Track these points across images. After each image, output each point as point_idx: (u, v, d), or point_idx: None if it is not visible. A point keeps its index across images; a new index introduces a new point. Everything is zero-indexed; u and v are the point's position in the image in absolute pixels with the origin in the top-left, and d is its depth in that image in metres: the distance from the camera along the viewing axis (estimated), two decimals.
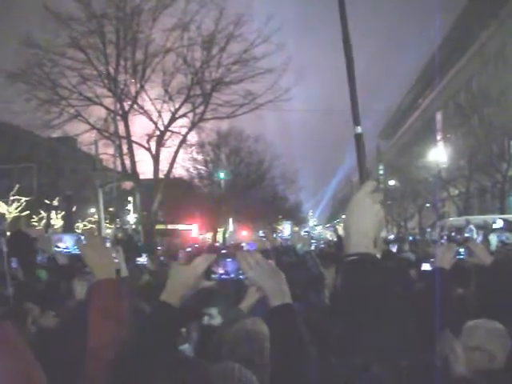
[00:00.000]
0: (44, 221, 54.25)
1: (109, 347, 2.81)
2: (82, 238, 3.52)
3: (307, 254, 7.76)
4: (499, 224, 23.45)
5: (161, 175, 38.71)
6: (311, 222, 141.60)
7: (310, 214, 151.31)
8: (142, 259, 13.63)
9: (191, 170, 55.17)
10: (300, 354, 2.89)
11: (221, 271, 7.39)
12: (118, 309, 2.99)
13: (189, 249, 24.41)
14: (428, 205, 55.95)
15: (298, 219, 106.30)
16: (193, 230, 57.88)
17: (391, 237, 39.71)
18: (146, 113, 38.04)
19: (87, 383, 2.73)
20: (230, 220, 63.34)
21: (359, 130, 2.92)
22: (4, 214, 53.63)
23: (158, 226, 43.05)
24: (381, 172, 77.68)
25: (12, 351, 1.21)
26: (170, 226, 55.10)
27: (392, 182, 66.90)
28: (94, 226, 55.55)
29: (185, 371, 3.06)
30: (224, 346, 4.27)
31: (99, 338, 2.88)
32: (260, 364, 3.87)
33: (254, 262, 3.03)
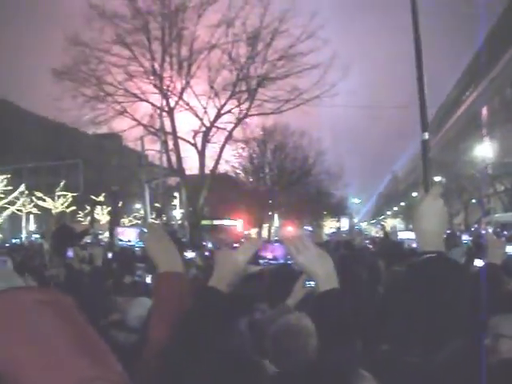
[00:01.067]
0: (89, 216, 54.80)
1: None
2: (145, 230, 3.50)
3: (365, 248, 7.77)
4: None
5: (206, 171, 38.77)
6: (356, 219, 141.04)
7: (355, 209, 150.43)
8: (190, 254, 13.65)
9: (236, 165, 55.23)
10: (346, 340, 2.87)
11: (269, 256, 7.34)
12: (181, 301, 2.96)
13: (236, 245, 24.40)
14: (474, 201, 55.33)
15: (343, 215, 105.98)
16: (238, 226, 57.94)
17: None
18: (191, 109, 38.13)
19: (143, 372, 2.71)
20: (276, 216, 63.28)
21: (426, 136, 2.94)
22: (51, 209, 54.36)
23: (204, 222, 43.12)
24: None
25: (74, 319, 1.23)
26: (215, 222, 55.22)
27: (437, 178, 66.27)
28: (139, 221, 55.99)
29: (232, 362, 3.05)
30: (267, 341, 4.26)
31: (161, 329, 2.87)
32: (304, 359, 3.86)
33: (302, 247, 3.01)
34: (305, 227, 57.90)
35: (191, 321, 2.83)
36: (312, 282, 3.33)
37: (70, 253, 12.06)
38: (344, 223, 72.81)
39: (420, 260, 2.63)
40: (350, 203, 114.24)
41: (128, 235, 13.82)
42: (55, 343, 1.15)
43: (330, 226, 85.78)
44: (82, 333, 1.21)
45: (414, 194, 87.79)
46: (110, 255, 15.79)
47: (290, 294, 5.48)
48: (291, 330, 4.16)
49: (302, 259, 2.98)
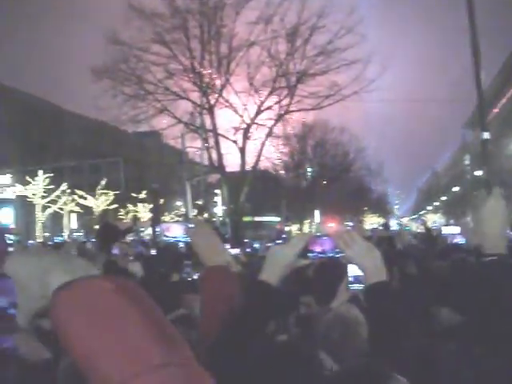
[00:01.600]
0: (130, 214, 55.24)
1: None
2: (191, 226, 3.51)
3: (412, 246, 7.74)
4: None
5: (247, 168, 38.83)
6: (396, 214, 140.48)
7: (396, 206, 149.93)
8: (233, 251, 13.68)
9: (277, 162, 55.30)
10: (396, 332, 2.85)
11: (318, 250, 7.25)
12: (228, 295, 2.97)
13: (278, 241, 24.38)
14: None
15: (384, 211, 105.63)
16: (279, 222, 58.00)
17: None
18: (231, 106, 38.21)
19: None
20: (316, 212, 63.22)
21: (486, 135, 2.93)
22: (92, 207, 54.91)
23: (245, 219, 43.24)
24: (467, 162, 76.51)
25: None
26: (256, 218, 55.38)
27: (479, 173, 65.80)
28: (180, 218, 56.29)
29: (281, 355, 3.03)
30: (320, 330, 4.26)
31: (210, 324, 2.88)
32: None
33: (351, 240, 3.02)
34: (346, 223, 57.70)
35: (243, 315, 2.83)
36: (356, 285, 3.35)
37: (116, 250, 12.15)
38: (392, 223, 72.55)
39: (481, 263, 2.69)
40: (390, 199, 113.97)
41: (174, 231, 13.82)
42: (130, 330, 1.17)
43: (370, 221, 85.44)
44: (155, 319, 1.23)
45: (455, 189, 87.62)
46: (153, 252, 15.93)
47: (334, 287, 5.46)
48: (342, 318, 4.18)
49: (350, 252, 3.01)
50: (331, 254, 3.60)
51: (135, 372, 1.12)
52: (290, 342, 4.20)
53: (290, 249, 2.98)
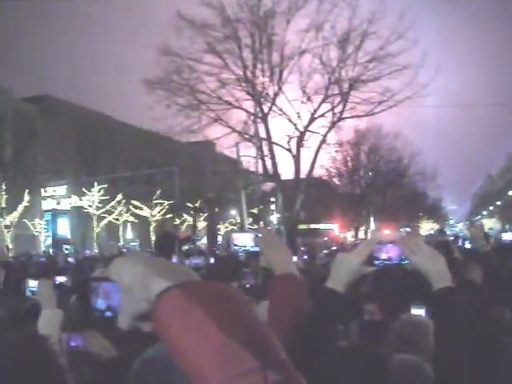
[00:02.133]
0: (186, 223, 55.61)
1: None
2: (259, 235, 3.56)
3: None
4: None
5: (301, 175, 38.83)
6: (452, 220, 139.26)
7: (451, 210, 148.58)
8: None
9: (331, 169, 55.26)
10: (463, 336, 2.92)
11: (384, 257, 7.25)
12: (296, 303, 3.02)
13: (334, 248, 24.37)
14: None
15: (439, 216, 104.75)
16: (334, 229, 57.88)
17: None
18: (284, 114, 38.29)
19: None
20: (371, 219, 63.06)
21: None
22: (147, 217, 55.47)
23: (300, 226, 43.21)
24: None
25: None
26: (311, 226, 55.28)
27: None
28: (235, 227, 56.53)
29: (348, 360, 3.06)
30: (389, 337, 4.31)
31: (277, 330, 2.92)
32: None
33: (416, 246, 3.09)
34: (401, 229, 57.50)
35: (312, 321, 2.88)
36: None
37: (174, 259, 12.26)
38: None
39: None
40: (445, 205, 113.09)
41: (243, 240, 14.01)
42: (230, 333, 1.21)
43: (426, 227, 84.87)
44: (252, 323, 1.28)
45: (511, 193, 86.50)
46: (212, 260, 16.05)
47: (398, 296, 5.48)
48: (413, 320, 4.29)
49: (416, 259, 3.11)
50: (396, 261, 3.65)
51: (236, 374, 1.17)
52: (354, 347, 4.24)
53: (355, 256, 3.06)
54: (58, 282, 11.23)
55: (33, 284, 5.57)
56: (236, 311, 1.29)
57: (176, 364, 1.32)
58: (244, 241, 14.03)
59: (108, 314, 1.60)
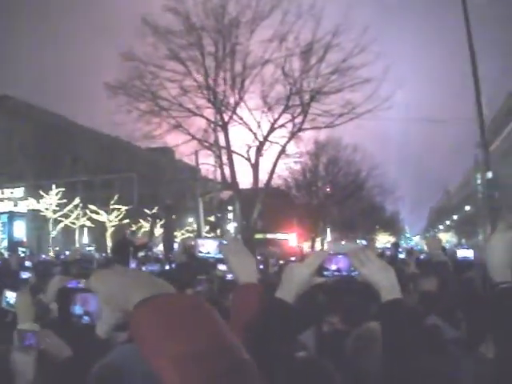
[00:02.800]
0: (142, 230, 55.33)
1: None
2: (224, 242, 3.59)
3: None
4: None
5: (260, 185, 38.83)
6: (409, 234, 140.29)
7: (408, 222, 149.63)
8: None
9: (289, 179, 55.29)
10: (409, 350, 2.95)
11: (333, 268, 7.32)
12: (257, 312, 3.04)
13: (292, 258, 24.40)
14: None
15: (395, 229, 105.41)
16: (291, 240, 57.97)
17: None
18: (245, 123, 38.29)
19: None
20: (328, 230, 63.24)
21: (490, 175, 3.12)
22: (104, 222, 55.09)
23: (257, 236, 43.23)
24: (479, 182, 76.44)
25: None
26: (268, 235, 55.32)
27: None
28: (191, 235, 56.35)
29: (303, 372, 3.10)
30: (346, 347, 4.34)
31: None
32: None
33: (366, 258, 3.13)
34: (358, 241, 57.76)
35: (259, 331, 2.91)
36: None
37: (133, 265, 12.22)
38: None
39: (496, 290, 2.93)
40: (401, 218, 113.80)
41: (208, 247, 13.96)
42: (204, 344, 1.25)
43: (382, 239, 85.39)
44: (224, 332, 1.31)
45: (467, 208, 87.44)
46: (167, 267, 15.99)
47: (362, 307, 5.52)
48: (370, 333, 4.28)
49: (366, 271, 3.13)
50: (346, 273, 3.67)
51: (200, 380, 1.21)
52: (309, 358, 4.26)
53: (306, 267, 3.09)
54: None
55: (10, 295, 5.51)
56: (207, 321, 1.33)
57: (133, 370, 1.37)
58: (209, 248, 14.00)
59: (85, 319, 1.64)
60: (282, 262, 21.04)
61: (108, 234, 55.39)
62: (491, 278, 3.01)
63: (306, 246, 58.96)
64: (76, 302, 1.64)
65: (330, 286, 5.70)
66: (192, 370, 1.23)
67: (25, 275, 11.39)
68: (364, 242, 57.02)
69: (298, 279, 3.04)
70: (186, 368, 1.23)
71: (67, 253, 41.18)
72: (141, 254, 17.30)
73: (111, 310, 1.53)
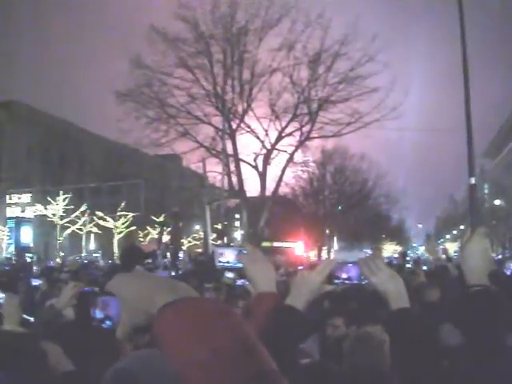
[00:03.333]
0: (149, 237, 55.35)
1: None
2: (244, 251, 3.63)
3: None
4: None
5: (267, 193, 38.87)
6: (416, 243, 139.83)
7: (414, 233, 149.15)
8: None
9: (296, 188, 55.22)
10: (418, 357, 2.97)
11: (344, 276, 7.42)
12: (273, 320, 3.05)
13: (300, 267, 24.41)
14: None
15: (402, 239, 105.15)
16: (297, 248, 57.81)
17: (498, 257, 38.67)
18: (252, 131, 38.34)
19: None
20: (335, 238, 63.16)
21: (473, 181, 3.16)
22: (111, 228, 55.13)
23: (264, 244, 43.17)
24: (486, 191, 76.36)
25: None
26: (275, 244, 55.19)
27: (497, 202, 65.76)
28: (198, 242, 56.37)
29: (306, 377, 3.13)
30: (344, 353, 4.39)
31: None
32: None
33: (376, 267, 3.15)
34: (364, 250, 57.67)
35: (269, 338, 2.93)
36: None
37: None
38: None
39: (469, 292, 3.03)
40: (408, 227, 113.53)
41: (227, 256, 14.02)
42: (226, 351, 1.26)
43: (389, 249, 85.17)
44: (250, 341, 1.32)
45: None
46: (173, 274, 16.05)
47: (365, 310, 5.58)
48: (367, 335, 4.31)
49: (375, 279, 3.14)
50: (356, 281, 3.72)
51: None
52: (315, 364, 4.31)
53: (316, 275, 3.08)
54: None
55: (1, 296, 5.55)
56: (234, 327, 1.33)
57: (148, 376, 1.40)
58: (228, 257, 14.08)
59: (107, 323, 1.69)
60: (290, 270, 21.11)
61: (115, 240, 55.43)
62: (465, 280, 3.09)
63: (312, 255, 58.99)
64: (96, 306, 1.68)
65: (336, 293, 5.73)
66: (217, 375, 1.23)
67: (35, 282, 11.47)
68: (369, 252, 57.02)
69: (308, 286, 3.06)
70: (212, 374, 1.23)
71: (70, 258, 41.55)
72: (148, 261, 17.36)
73: (133, 313, 1.52)
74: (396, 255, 46.43)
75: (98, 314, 1.70)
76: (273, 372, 1.29)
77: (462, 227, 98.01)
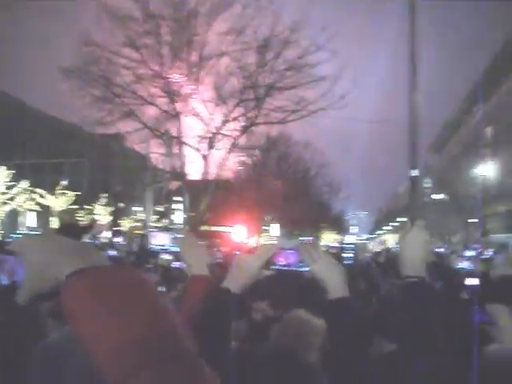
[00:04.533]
0: (90, 216, 54.97)
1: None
2: (179, 236, 3.68)
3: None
4: None
5: (210, 177, 38.82)
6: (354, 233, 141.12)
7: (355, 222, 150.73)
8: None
9: (239, 173, 55.18)
10: (355, 347, 3.04)
11: (282, 262, 7.43)
12: (207, 302, 3.08)
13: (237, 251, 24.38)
14: (472, 220, 55.26)
15: (342, 229, 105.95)
16: (237, 233, 57.71)
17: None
18: (198, 114, 38.19)
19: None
20: (276, 225, 63.31)
21: (416, 172, 3.22)
22: (52, 206, 54.54)
23: (203, 227, 43.09)
24: (428, 185, 77.26)
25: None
26: (214, 228, 55.02)
27: (439, 196, 66.70)
28: (138, 223, 56.12)
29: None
30: (272, 336, 4.45)
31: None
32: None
33: (317, 255, 3.19)
34: (304, 238, 57.96)
35: (202, 319, 2.96)
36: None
37: None
38: (349, 239, 72.61)
39: (403, 283, 3.07)
40: (349, 217, 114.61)
41: (161, 240, 13.97)
42: (136, 322, 1.22)
43: (329, 238, 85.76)
44: (163, 313, 1.28)
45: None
46: (109, 253, 15.98)
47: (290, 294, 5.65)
48: (297, 319, 4.36)
49: (315, 267, 3.17)
50: (294, 267, 3.74)
51: (137, 364, 1.17)
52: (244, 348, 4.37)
53: (255, 259, 3.10)
54: None
55: None
56: (150, 301, 1.28)
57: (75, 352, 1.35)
58: (162, 240, 14.03)
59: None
60: (227, 253, 21.15)
61: (54, 218, 54.84)
62: (401, 271, 3.14)
63: (253, 240, 59.09)
64: (3, 271, 1.63)
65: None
66: (130, 353, 1.18)
67: None
68: (310, 239, 57.29)
69: (247, 271, 3.08)
70: (124, 351, 1.19)
71: (13, 236, 40.97)
72: (87, 236, 17.25)
73: (36, 278, 1.45)
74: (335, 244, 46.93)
75: (3, 281, 1.64)
76: (188, 350, 1.27)
77: (402, 220, 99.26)
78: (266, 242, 53.38)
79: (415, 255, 3.05)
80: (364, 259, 19.90)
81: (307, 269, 3.29)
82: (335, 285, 3.08)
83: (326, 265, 3.13)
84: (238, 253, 3.36)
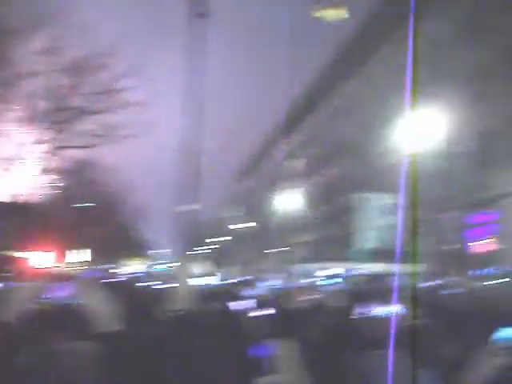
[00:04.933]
0: None
1: None
2: None
3: None
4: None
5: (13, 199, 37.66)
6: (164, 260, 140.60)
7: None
8: None
9: (45, 196, 53.96)
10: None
11: (57, 294, 7.35)
12: None
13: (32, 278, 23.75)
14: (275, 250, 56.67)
15: (146, 256, 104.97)
16: (33, 258, 55.95)
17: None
18: (4, 135, 36.99)
19: None
20: (81, 251, 62.27)
21: (194, 207, 3.45)
22: None
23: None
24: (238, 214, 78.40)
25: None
26: (9, 253, 53.23)
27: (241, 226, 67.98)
28: None
29: None
30: None
31: None
32: None
33: (91, 289, 3.32)
34: (105, 266, 57.64)
35: None
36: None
37: None
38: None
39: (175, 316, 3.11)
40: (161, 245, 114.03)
41: None
42: None
43: (132, 265, 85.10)
44: None
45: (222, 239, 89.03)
46: None
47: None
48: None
49: (88, 300, 3.30)
50: (66, 300, 3.70)
51: None
52: None
53: (24, 290, 3.22)
54: None
55: None
56: None
57: None
58: None
59: None
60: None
61: None
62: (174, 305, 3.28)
63: (56, 266, 57.67)
64: None
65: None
66: None
67: None
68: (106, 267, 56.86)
69: (16, 299, 3.13)
70: None
71: None
72: None
73: None
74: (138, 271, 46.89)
75: None
76: None
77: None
78: (68, 268, 52.54)
79: (183, 288, 3.23)
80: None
81: (80, 301, 3.35)
82: (106, 318, 3.18)
83: (98, 299, 3.23)
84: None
